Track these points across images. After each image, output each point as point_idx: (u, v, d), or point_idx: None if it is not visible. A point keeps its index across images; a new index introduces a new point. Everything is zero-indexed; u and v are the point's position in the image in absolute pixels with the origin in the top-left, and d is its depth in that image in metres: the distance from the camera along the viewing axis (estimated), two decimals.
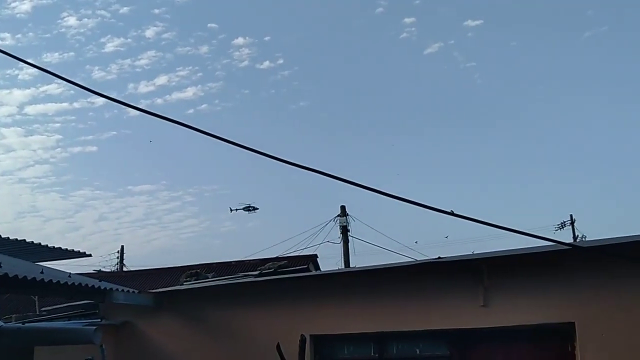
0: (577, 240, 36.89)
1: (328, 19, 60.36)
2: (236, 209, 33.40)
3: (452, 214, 5.25)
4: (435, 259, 9.36)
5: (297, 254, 26.78)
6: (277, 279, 10.66)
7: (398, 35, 56.35)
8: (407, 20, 59.42)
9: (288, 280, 10.70)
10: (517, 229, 5.50)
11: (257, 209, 33.43)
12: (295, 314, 10.20)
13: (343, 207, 27.95)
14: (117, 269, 37.15)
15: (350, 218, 27.76)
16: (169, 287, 11.95)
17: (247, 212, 33.08)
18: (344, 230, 27.65)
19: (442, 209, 5.22)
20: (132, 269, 35.39)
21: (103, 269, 35.53)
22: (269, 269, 11.41)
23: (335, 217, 27.88)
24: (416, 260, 9.90)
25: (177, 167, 64.33)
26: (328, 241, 27.49)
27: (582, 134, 58.57)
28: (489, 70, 58.29)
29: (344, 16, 60.20)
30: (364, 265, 11.18)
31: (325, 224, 27.64)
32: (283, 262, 12.56)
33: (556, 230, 43.60)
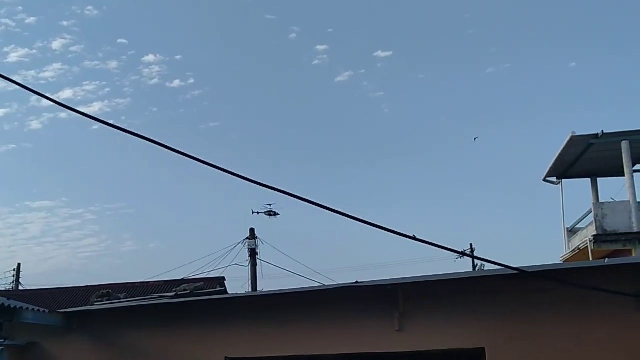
0: (476, 269, 38.14)
1: (241, 41, 60.68)
2: (258, 212, 32.85)
3: (414, 238, 5.42)
4: (353, 283, 9.53)
5: (203, 276, 26.46)
6: (193, 300, 10.57)
7: (310, 62, 57.29)
8: (320, 47, 60.53)
9: (205, 302, 10.62)
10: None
11: (278, 214, 32.99)
12: (211, 336, 10.12)
13: (252, 230, 27.92)
14: (12, 288, 35.52)
15: (259, 241, 27.77)
16: (72, 307, 11.57)
17: (268, 216, 32.63)
18: (253, 253, 27.59)
19: (406, 233, 5.39)
20: (28, 287, 33.95)
21: None
22: (185, 290, 11.28)
23: (244, 239, 27.80)
24: (337, 284, 10.04)
25: (79, 184, 62.54)
26: (236, 264, 27.36)
27: (486, 165, 61.02)
28: (397, 101, 60.08)
29: (257, 39, 60.65)
30: (273, 289, 11.24)
31: (233, 246, 27.51)
32: (199, 284, 12.42)
33: (457, 259, 44.90)
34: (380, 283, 9.52)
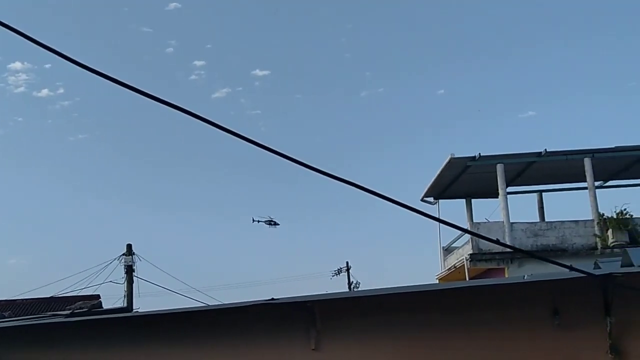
0: (352, 287, 38.58)
1: (115, 52, 58.74)
2: (258, 221, 31.97)
3: (497, 242, 5.60)
4: (269, 300, 9.21)
5: (75, 294, 25.06)
6: (93, 319, 9.85)
7: (187, 77, 56.35)
8: (197, 63, 59.74)
9: (104, 320, 9.93)
10: None
11: (278, 224, 32.25)
12: (110, 357, 9.44)
13: (129, 246, 26.78)
14: None
15: (136, 257, 26.70)
16: None
17: (268, 225, 31.86)
18: (129, 270, 26.49)
19: (489, 237, 5.52)
20: None
21: None
22: (81, 308, 10.50)
23: (120, 256, 26.61)
24: (250, 301, 9.66)
25: None
26: (111, 281, 26.11)
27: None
28: (273, 119, 60.33)
29: (132, 52, 58.93)
30: (158, 309, 10.65)
31: (109, 262, 26.23)
32: (96, 302, 11.64)
33: (333, 276, 45.28)
34: (296, 300, 9.26)
